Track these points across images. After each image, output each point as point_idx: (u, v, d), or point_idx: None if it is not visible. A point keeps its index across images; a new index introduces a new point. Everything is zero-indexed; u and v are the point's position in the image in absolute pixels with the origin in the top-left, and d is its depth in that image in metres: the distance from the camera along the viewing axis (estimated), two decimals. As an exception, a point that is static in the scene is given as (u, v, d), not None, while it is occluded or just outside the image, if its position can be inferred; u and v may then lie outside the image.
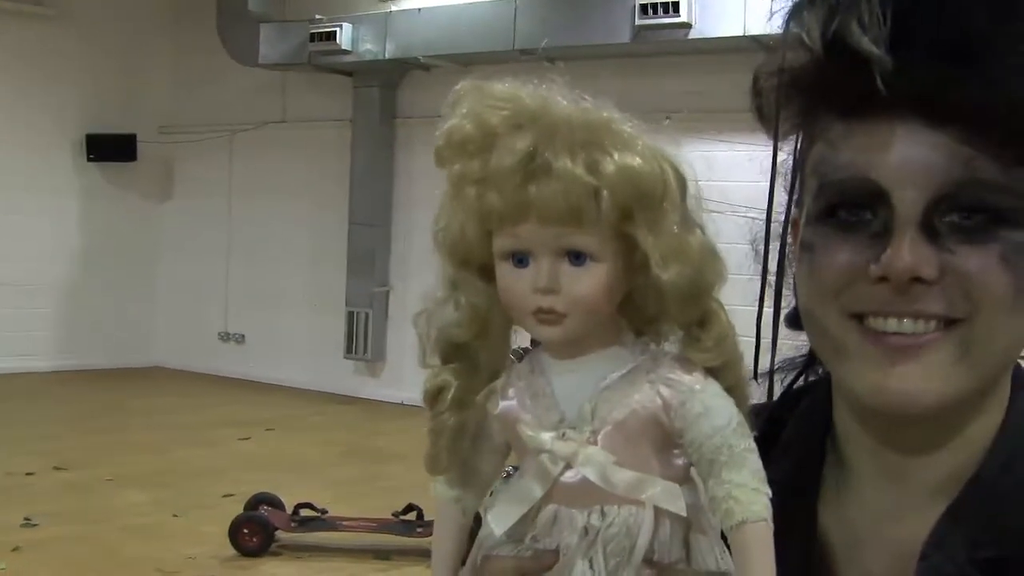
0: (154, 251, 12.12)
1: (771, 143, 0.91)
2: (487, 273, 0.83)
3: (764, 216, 0.93)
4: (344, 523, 5.62)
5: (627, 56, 8.47)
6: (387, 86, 10.25)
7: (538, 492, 0.83)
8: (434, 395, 0.85)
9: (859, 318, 0.83)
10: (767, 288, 0.94)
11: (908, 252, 0.78)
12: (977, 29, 0.76)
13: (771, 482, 0.81)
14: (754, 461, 0.80)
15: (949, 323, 0.81)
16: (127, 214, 11.87)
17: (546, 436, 0.82)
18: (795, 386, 1.01)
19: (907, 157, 0.79)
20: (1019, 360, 0.90)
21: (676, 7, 7.90)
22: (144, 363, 11.80)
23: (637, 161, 0.79)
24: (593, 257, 0.80)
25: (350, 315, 10.41)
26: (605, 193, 0.78)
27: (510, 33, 8.74)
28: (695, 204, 0.84)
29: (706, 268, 0.81)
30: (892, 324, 0.81)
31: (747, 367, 0.88)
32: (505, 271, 0.82)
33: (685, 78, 8.17)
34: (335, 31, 9.73)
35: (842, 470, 0.94)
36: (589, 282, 0.80)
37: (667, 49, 8.29)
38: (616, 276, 0.81)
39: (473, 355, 0.85)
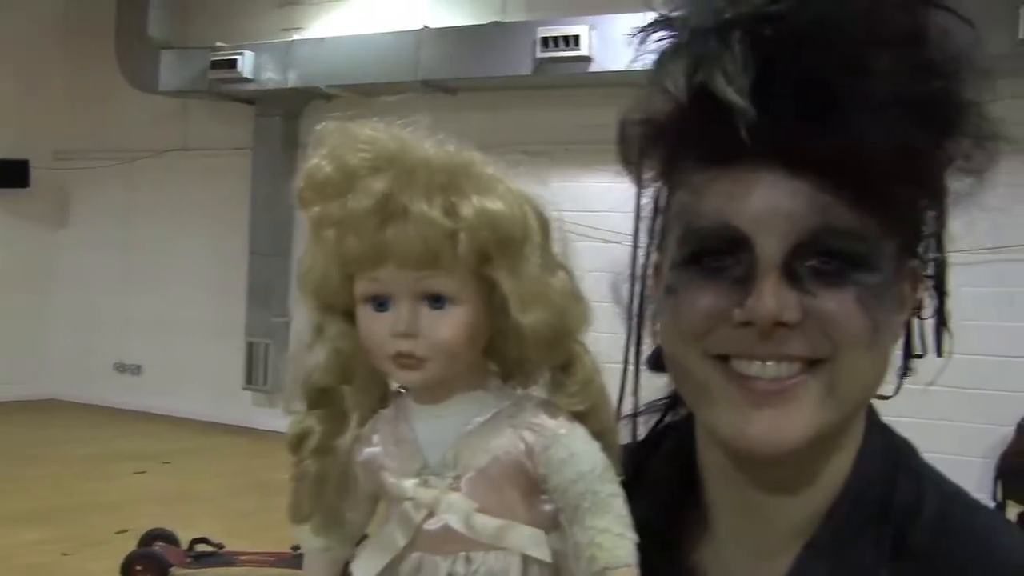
0: (48, 280, 11.79)
1: None
2: (352, 317, 0.83)
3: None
4: (241, 558, 5.51)
5: (529, 88, 8.55)
6: (289, 115, 10.14)
7: (401, 541, 0.82)
8: (297, 442, 0.84)
9: (722, 359, 0.84)
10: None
11: (771, 297, 0.79)
12: (832, 82, 0.78)
13: (635, 523, 0.81)
14: (619, 506, 0.80)
15: (812, 363, 0.82)
16: (19, 242, 11.52)
17: (408, 483, 0.82)
18: (658, 427, 1.01)
19: (768, 204, 0.80)
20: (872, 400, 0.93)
21: (576, 41, 8.00)
22: (38, 395, 11.44)
23: (497, 204, 0.79)
24: (453, 300, 0.79)
25: (249, 345, 10.26)
26: (463, 236, 0.78)
27: (413, 64, 8.74)
28: (561, 248, 0.85)
29: (568, 312, 0.82)
30: (756, 367, 0.82)
31: (615, 411, 0.90)
32: (365, 315, 0.81)
33: (585, 110, 8.26)
34: (236, 59, 9.61)
35: (706, 510, 0.94)
36: (449, 326, 0.79)
37: (568, 82, 8.37)
38: (477, 319, 0.81)
39: (339, 401, 0.84)
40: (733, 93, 0.78)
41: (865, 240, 0.81)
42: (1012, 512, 6.60)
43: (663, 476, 0.96)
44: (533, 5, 8.76)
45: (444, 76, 8.66)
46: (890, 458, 0.90)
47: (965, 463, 6.84)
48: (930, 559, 0.84)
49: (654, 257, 0.93)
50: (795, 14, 0.79)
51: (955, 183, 0.85)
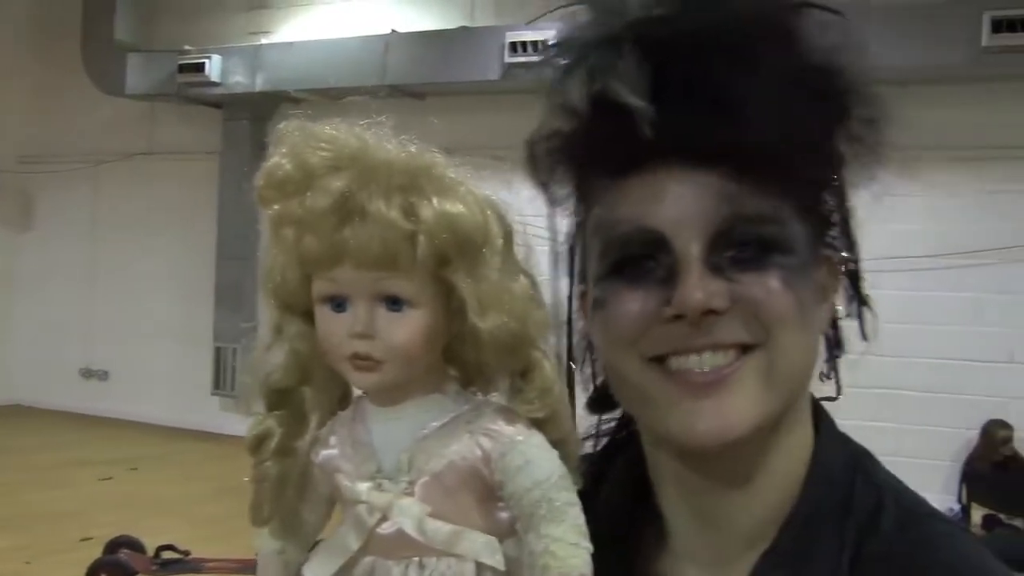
0: (11, 284, 11.68)
1: None
2: (312, 318, 0.82)
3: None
4: (208, 564, 5.48)
5: (497, 93, 8.54)
6: (257, 119, 10.08)
7: (354, 544, 0.81)
8: (257, 443, 0.83)
9: (659, 360, 0.84)
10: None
11: (696, 287, 0.80)
12: (725, 79, 0.80)
13: (592, 533, 0.81)
14: (575, 515, 0.79)
15: (747, 349, 0.83)
16: (-18, 246, 11.45)
17: (362, 487, 0.81)
18: (615, 441, 1.01)
19: (680, 201, 0.82)
20: (822, 403, 0.94)
21: (545, 46, 8.00)
22: (2, 401, 11.32)
23: (457, 207, 0.79)
24: (411, 303, 0.79)
25: (217, 350, 10.20)
26: (421, 238, 0.77)
27: (381, 68, 8.73)
28: (524, 254, 0.84)
29: (528, 318, 0.81)
30: (693, 361, 0.83)
31: (575, 420, 0.89)
32: (323, 315, 0.80)
33: (554, 115, 8.28)
34: (204, 63, 9.57)
35: (660, 523, 0.94)
36: (406, 328, 0.79)
37: (536, 87, 8.36)
38: (435, 323, 0.80)
39: (299, 402, 0.84)
40: (631, 95, 0.80)
41: (776, 223, 0.83)
42: (977, 515, 6.66)
43: (619, 487, 0.96)
44: (501, 10, 8.77)
45: (412, 81, 8.65)
46: (849, 465, 0.90)
47: (933, 466, 6.91)
48: (889, 568, 0.84)
49: (578, 288, 0.94)
50: (680, 18, 0.82)
51: (852, 166, 0.88)
